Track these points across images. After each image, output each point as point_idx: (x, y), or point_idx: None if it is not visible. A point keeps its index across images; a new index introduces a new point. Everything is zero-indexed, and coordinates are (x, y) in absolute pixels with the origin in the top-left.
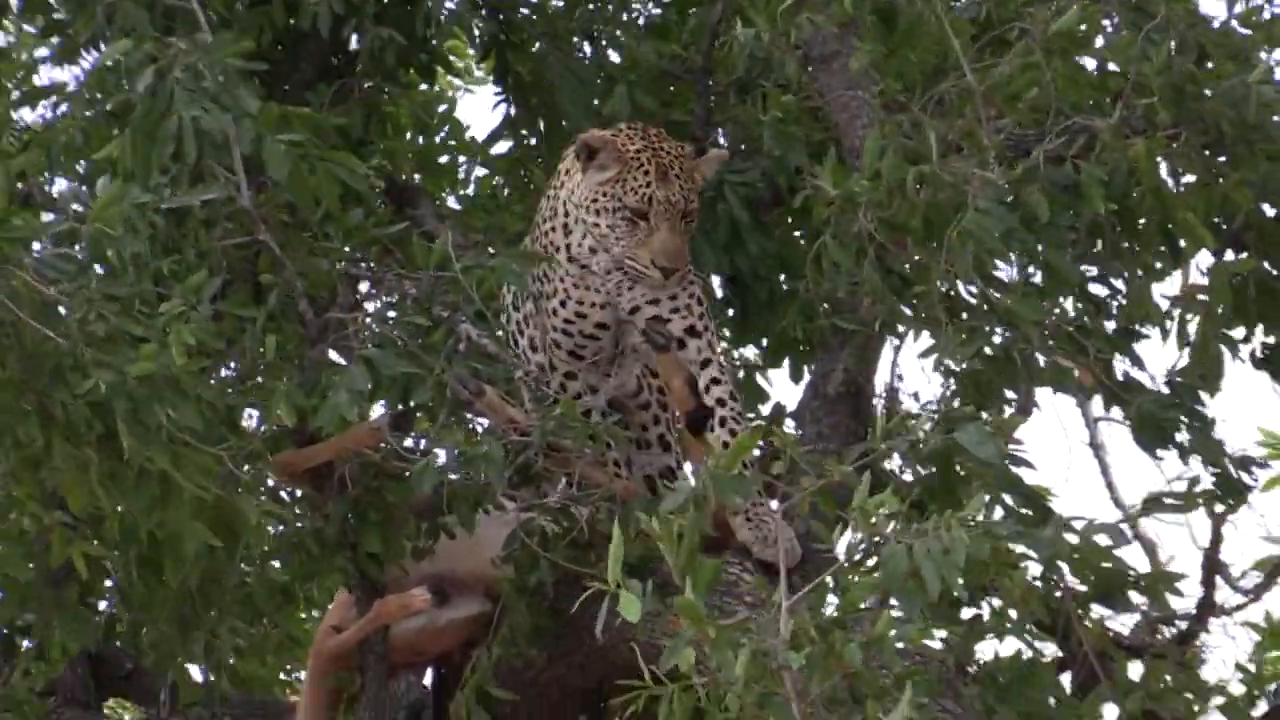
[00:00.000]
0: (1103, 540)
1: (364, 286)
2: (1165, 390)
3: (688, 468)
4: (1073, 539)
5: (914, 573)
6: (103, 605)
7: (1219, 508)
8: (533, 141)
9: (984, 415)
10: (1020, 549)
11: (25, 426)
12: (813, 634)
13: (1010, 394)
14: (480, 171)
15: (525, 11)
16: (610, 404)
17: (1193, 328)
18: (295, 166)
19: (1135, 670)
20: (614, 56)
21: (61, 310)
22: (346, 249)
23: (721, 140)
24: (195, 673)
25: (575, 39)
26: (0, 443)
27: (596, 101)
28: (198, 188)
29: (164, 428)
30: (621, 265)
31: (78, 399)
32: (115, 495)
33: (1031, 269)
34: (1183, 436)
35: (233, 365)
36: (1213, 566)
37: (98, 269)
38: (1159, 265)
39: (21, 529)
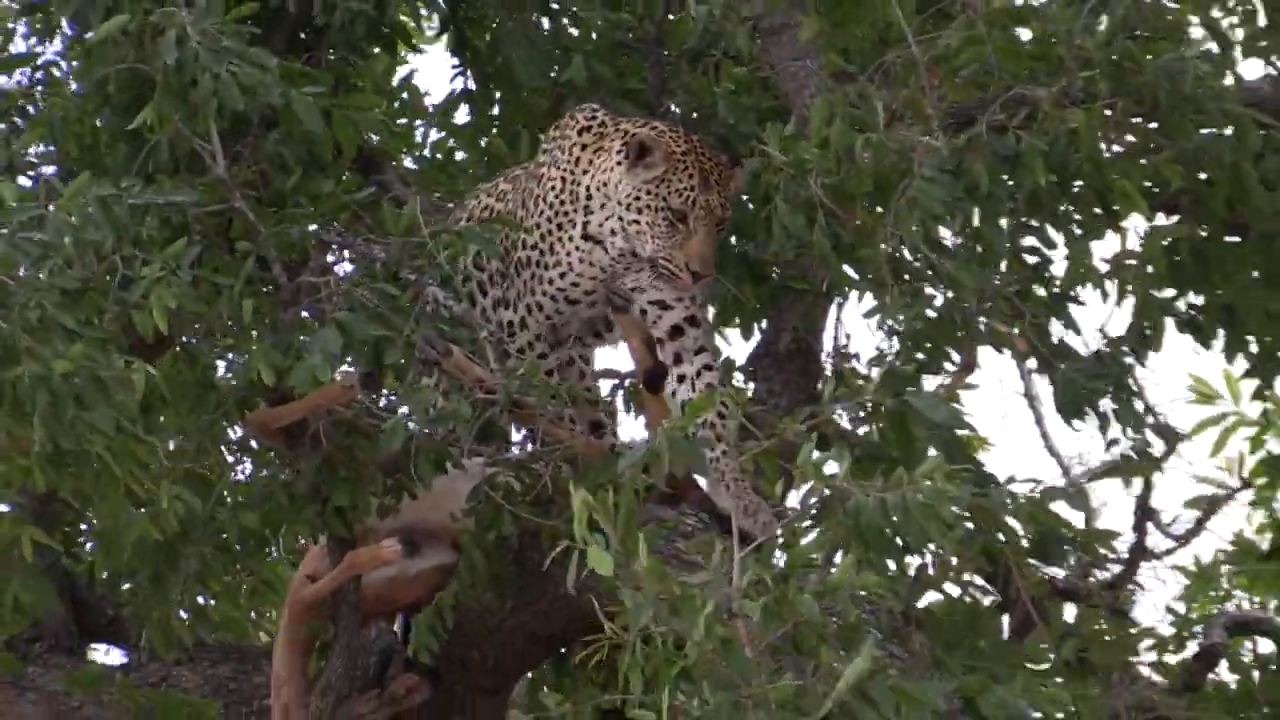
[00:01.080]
0: (1055, 505)
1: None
2: (1096, 358)
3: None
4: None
5: (881, 527)
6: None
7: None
8: (494, 111)
9: (928, 374)
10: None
11: None
12: (768, 583)
13: (953, 352)
14: (436, 135)
15: None
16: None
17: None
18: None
19: (1069, 613)
20: (571, 30)
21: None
22: (320, 214)
23: (675, 109)
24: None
25: (533, 13)
26: None
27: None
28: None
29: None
30: (654, 262)
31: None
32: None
33: (971, 235)
34: (1106, 404)
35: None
36: (1144, 514)
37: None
38: (1095, 229)
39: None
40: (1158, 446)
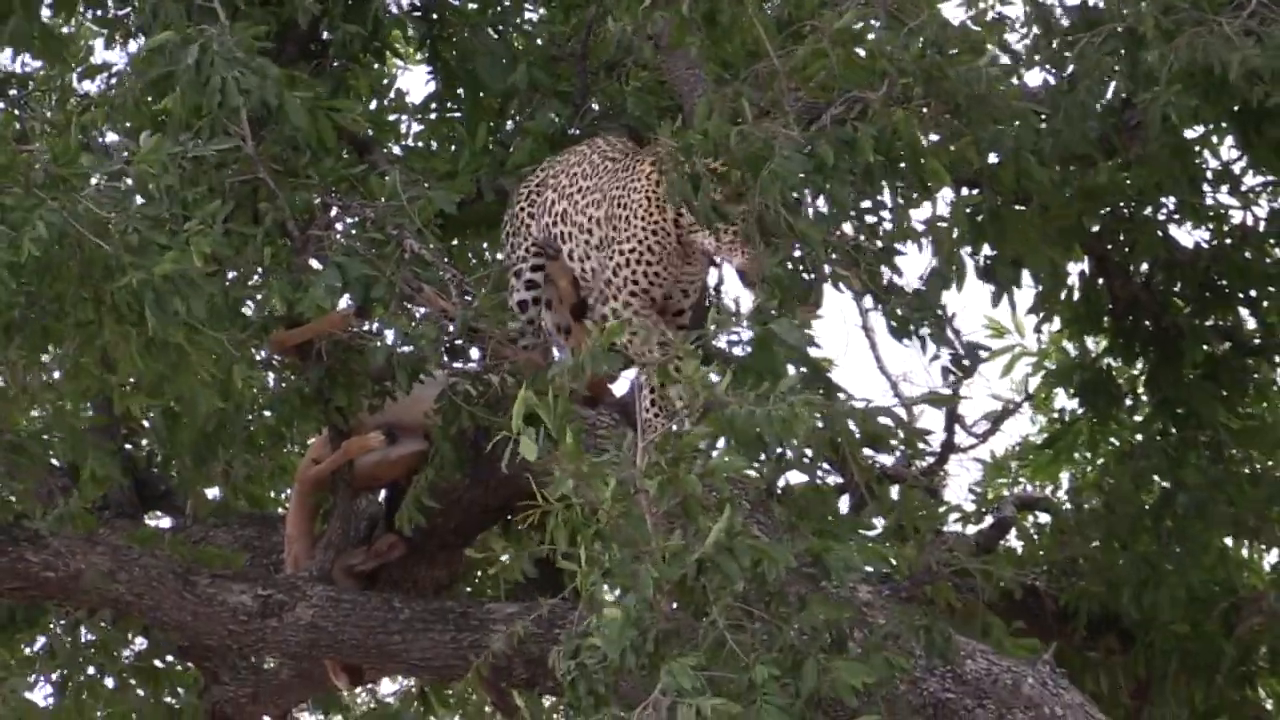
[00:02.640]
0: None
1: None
2: (916, 294)
3: None
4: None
5: (750, 429)
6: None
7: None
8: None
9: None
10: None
11: (83, 309)
12: (663, 466)
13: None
14: (416, 128)
15: (456, 2)
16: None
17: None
18: (310, 116)
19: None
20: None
21: (110, 226)
22: (325, 184)
23: (594, 106)
24: (211, 494)
25: (489, 28)
26: (66, 321)
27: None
28: (214, 140)
29: (178, 314)
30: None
31: (120, 290)
32: (148, 362)
33: (820, 201)
34: (925, 330)
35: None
36: (952, 419)
37: (138, 199)
38: (914, 197)
39: (86, 387)
40: (965, 364)
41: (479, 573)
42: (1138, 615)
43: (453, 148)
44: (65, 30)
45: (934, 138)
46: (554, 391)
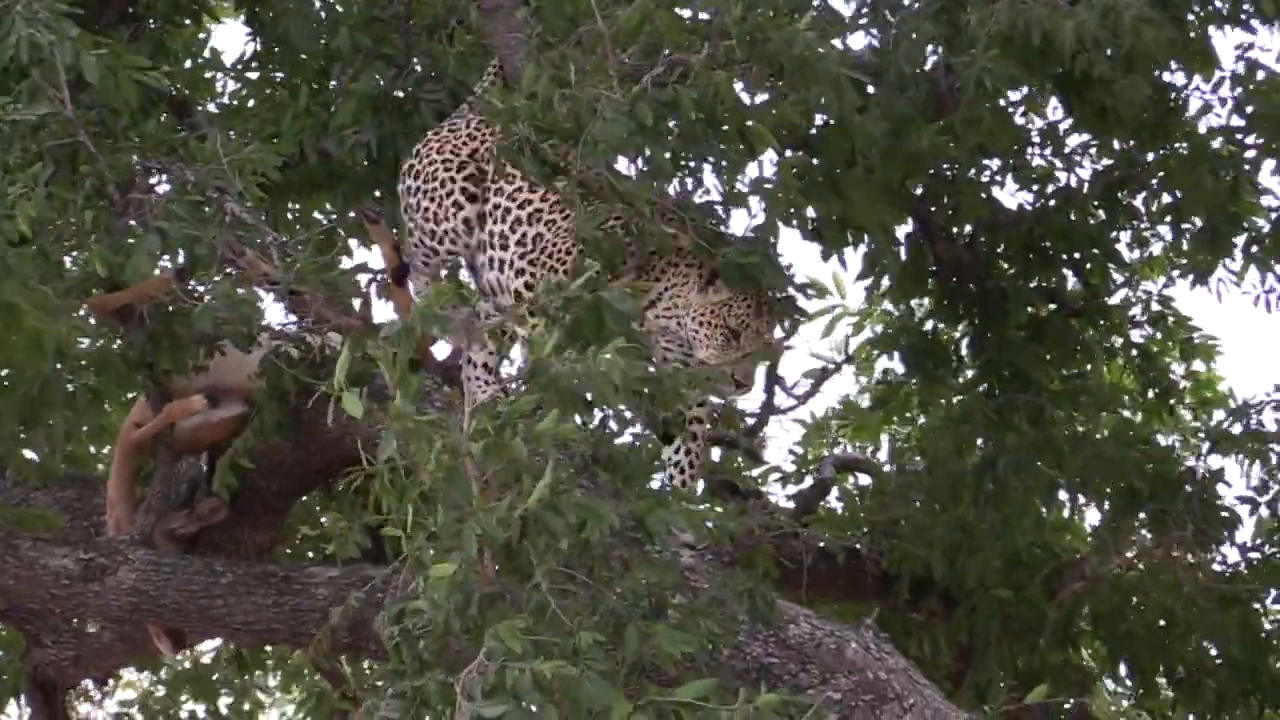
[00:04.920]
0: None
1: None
2: (745, 240)
3: None
4: None
5: (573, 391)
6: None
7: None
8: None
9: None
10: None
11: None
12: (489, 430)
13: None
14: (232, 86)
15: None
16: None
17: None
18: (105, 73)
19: (716, 454)
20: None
21: None
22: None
23: (417, 67)
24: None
25: None
26: None
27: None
28: (33, 104)
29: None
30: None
31: None
32: None
33: (641, 162)
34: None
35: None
36: (772, 380)
37: None
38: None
39: None
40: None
41: (299, 536)
42: (952, 582)
43: (269, 107)
44: None
45: (762, 99)
46: (390, 349)
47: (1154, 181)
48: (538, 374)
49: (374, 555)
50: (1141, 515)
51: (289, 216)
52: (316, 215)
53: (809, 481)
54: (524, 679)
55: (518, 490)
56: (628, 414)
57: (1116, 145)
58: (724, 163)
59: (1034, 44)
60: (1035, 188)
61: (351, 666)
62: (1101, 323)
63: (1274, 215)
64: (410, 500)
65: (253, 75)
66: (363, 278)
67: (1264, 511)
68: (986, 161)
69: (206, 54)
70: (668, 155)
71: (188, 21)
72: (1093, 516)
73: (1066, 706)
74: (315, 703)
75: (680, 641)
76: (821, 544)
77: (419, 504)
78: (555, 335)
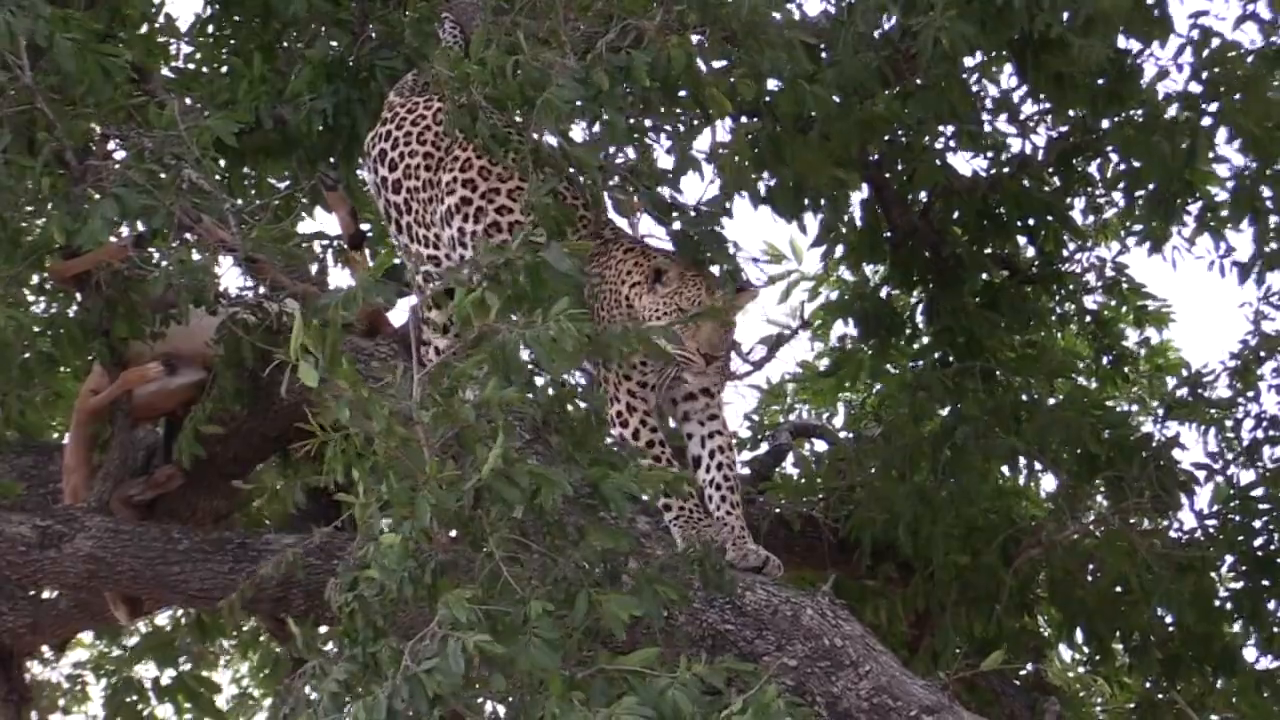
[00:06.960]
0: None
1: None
2: (696, 211)
3: None
4: None
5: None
6: None
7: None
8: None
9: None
10: None
11: None
12: (437, 398)
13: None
14: (187, 50)
15: None
16: None
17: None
18: (79, 55)
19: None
20: None
21: None
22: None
23: (373, 35)
24: None
25: None
26: None
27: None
28: None
29: None
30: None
31: None
32: None
33: (596, 127)
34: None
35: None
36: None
37: None
38: (695, 124)
39: None
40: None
41: (256, 503)
42: (912, 550)
43: (225, 70)
44: None
45: (718, 65)
46: (325, 320)
47: (1109, 148)
48: (484, 339)
49: (327, 521)
50: (1098, 482)
51: (244, 183)
52: (272, 181)
53: (765, 447)
54: (457, 649)
55: (471, 461)
56: (572, 378)
57: (1072, 112)
58: (680, 128)
59: (992, 4)
60: (990, 155)
61: (304, 631)
62: (1056, 290)
63: (1230, 183)
64: (362, 469)
65: (211, 39)
66: (319, 244)
67: (1219, 479)
68: (941, 128)
69: (161, 20)
70: (624, 118)
71: None
72: (1048, 483)
73: (1022, 672)
74: (273, 666)
75: (629, 606)
76: (778, 510)
77: (371, 471)
78: (498, 298)
